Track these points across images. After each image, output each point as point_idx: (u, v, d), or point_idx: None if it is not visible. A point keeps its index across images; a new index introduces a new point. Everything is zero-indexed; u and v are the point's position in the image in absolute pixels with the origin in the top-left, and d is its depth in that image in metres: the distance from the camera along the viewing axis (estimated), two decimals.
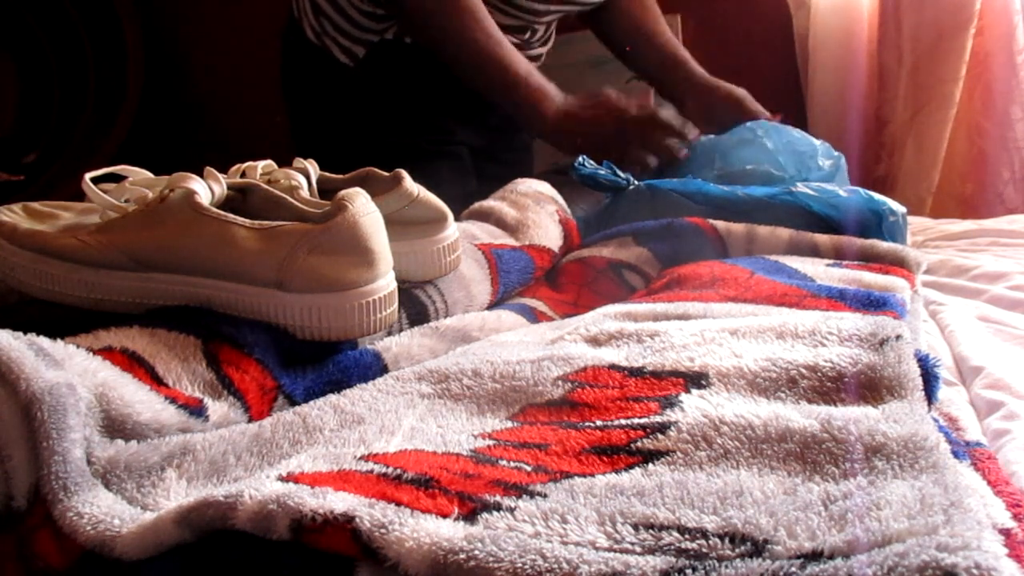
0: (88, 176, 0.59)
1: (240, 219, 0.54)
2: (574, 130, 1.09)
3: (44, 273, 0.58)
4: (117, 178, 0.62)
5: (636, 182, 1.00)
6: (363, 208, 0.54)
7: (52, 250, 0.58)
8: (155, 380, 0.47)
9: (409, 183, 0.65)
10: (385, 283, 0.56)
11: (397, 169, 0.66)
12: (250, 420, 0.50)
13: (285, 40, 1.34)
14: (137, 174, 0.62)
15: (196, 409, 0.46)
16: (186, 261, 0.55)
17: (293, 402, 0.53)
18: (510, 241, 0.82)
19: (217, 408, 0.48)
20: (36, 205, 0.65)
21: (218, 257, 0.54)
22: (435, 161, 1.21)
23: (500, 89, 1.13)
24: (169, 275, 0.55)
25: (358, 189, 0.56)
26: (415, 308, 0.65)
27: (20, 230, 0.60)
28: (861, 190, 0.98)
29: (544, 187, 0.98)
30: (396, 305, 0.58)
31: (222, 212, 0.54)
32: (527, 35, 1.27)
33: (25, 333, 0.44)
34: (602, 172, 1.04)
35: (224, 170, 0.62)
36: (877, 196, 0.94)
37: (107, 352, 0.47)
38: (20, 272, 0.59)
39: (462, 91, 1.20)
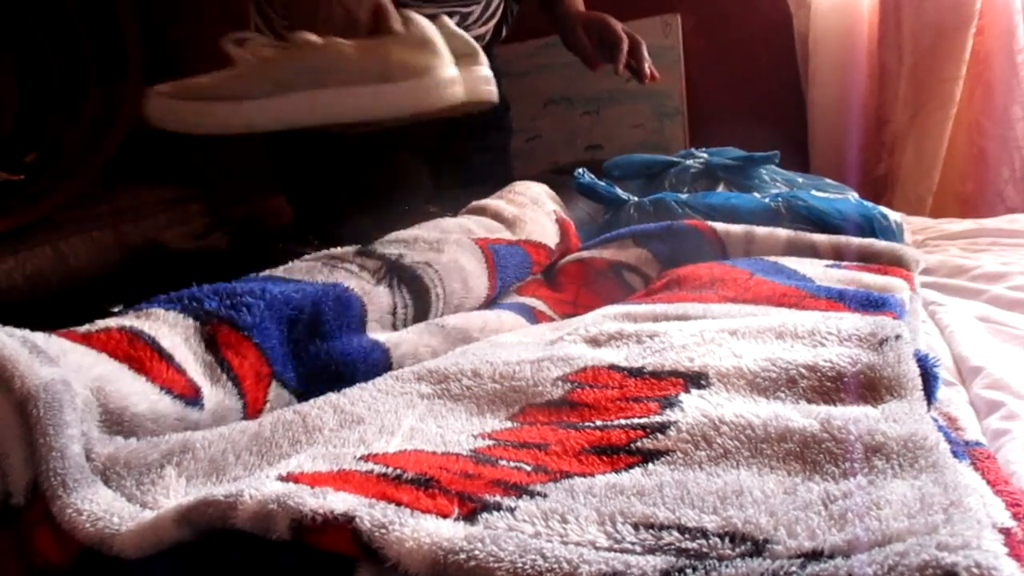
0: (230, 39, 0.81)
1: (346, 43, 0.77)
2: None
3: (210, 113, 0.79)
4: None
5: (635, 198, 1.00)
6: (427, 23, 0.79)
7: (216, 95, 0.79)
8: (158, 353, 0.47)
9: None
10: (454, 71, 0.80)
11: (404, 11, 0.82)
12: (245, 406, 0.50)
13: None
14: (254, 39, 0.83)
15: (192, 399, 0.47)
16: (317, 77, 0.76)
17: (287, 387, 0.53)
18: (506, 235, 0.82)
19: (213, 395, 0.48)
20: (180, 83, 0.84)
21: (340, 68, 0.76)
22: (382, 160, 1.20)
23: None
24: (307, 92, 0.76)
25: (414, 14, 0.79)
26: (417, 286, 0.66)
27: (189, 85, 0.81)
28: (852, 197, 0.99)
29: (542, 188, 0.99)
30: (461, 84, 0.80)
31: (336, 40, 0.77)
32: (455, 20, 1.24)
33: (19, 329, 0.44)
34: (602, 184, 1.04)
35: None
36: (868, 203, 0.95)
37: (105, 332, 0.47)
38: (191, 118, 0.80)
39: None
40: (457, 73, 0.81)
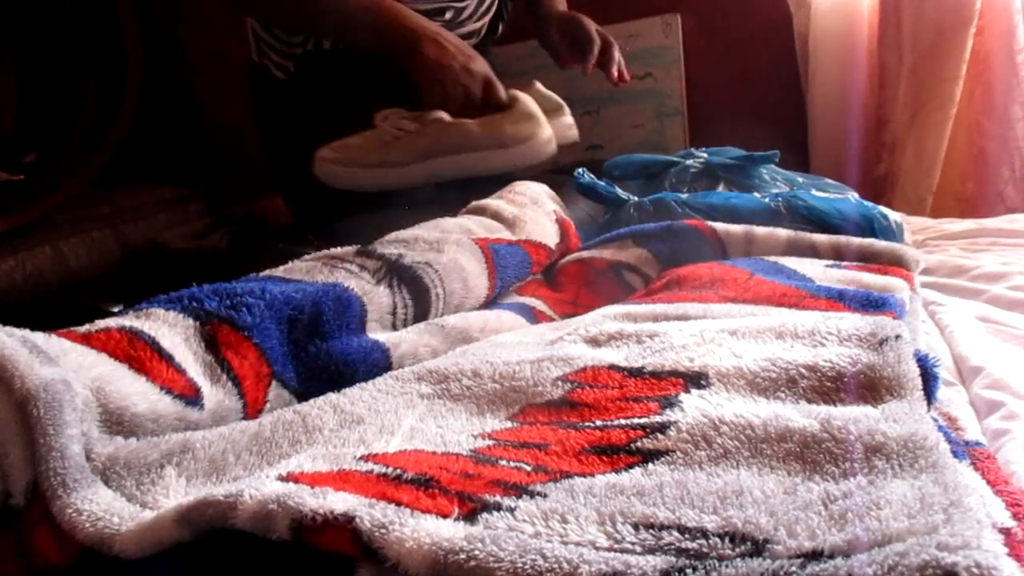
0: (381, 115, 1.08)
1: (471, 121, 1.05)
2: (440, 61, 1.06)
3: (369, 178, 1.06)
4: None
5: (635, 198, 1.00)
6: (527, 98, 1.07)
7: (373, 163, 1.07)
8: (158, 353, 0.47)
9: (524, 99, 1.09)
10: (549, 131, 1.08)
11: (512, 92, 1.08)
12: (244, 407, 0.50)
13: (248, 59, 1.38)
14: (395, 113, 1.07)
15: (192, 399, 0.46)
16: (449, 147, 1.04)
17: (287, 387, 0.53)
18: (506, 235, 0.82)
19: (213, 395, 0.48)
20: (338, 145, 1.10)
21: (467, 141, 1.05)
22: None
23: (371, 17, 1.07)
24: (443, 158, 1.05)
25: (516, 92, 1.08)
26: (417, 286, 0.66)
27: (346, 150, 1.07)
28: (852, 197, 0.99)
29: (542, 188, 0.98)
30: (555, 141, 1.09)
31: (463, 120, 1.05)
32: (448, 15, 1.26)
33: (19, 328, 0.44)
34: (601, 184, 1.04)
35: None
36: (868, 203, 0.95)
37: (105, 332, 0.47)
38: (356, 180, 1.07)
39: (391, 87, 1.22)
40: (551, 132, 1.09)
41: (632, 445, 0.40)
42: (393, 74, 1.10)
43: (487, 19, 1.36)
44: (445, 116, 1.06)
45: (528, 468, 0.39)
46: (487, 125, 1.05)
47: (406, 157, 1.05)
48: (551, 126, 1.10)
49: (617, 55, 1.32)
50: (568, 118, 1.16)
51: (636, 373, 0.48)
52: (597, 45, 1.30)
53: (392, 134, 1.06)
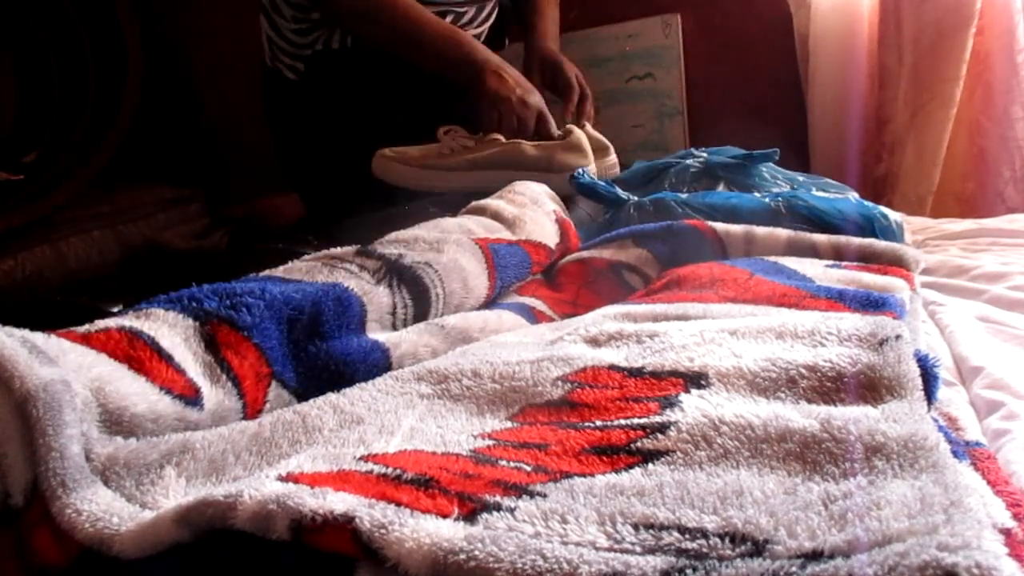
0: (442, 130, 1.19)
1: (529, 142, 1.17)
2: (502, 90, 1.19)
3: (426, 176, 1.16)
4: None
5: (635, 198, 1.00)
6: (580, 132, 1.18)
7: (429, 165, 1.17)
8: (157, 353, 0.47)
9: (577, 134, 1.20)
10: (594, 168, 1.18)
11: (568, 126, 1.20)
12: (244, 407, 0.50)
13: (261, 63, 1.42)
14: (457, 130, 1.19)
15: (191, 399, 0.46)
16: (503, 163, 1.14)
17: (286, 387, 0.53)
18: (506, 235, 0.82)
19: (212, 395, 0.48)
20: (399, 149, 1.19)
21: (521, 160, 1.15)
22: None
23: (445, 48, 1.21)
24: (495, 171, 1.14)
25: (572, 126, 1.21)
26: (417, 286, 0.67)
27: (406, 154, 1.18)
28: (852, 197, 0.99)
29: (542, 188, 0.99)
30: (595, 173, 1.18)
31: (520, 141, 1.17)
32: (449, 19, 1.32)
33: (19, 328, 0.44)
34: (601, 184, 1.04)
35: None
36: (868, 203, 0.95)
37: (105, 332, 0.47)
38: (412, 178, 1.17)
39: (399, 85, 1.25)
40: (595, 169, 1.20)
41: (632, 445, 0.40)
42: (460, 96, 1.24)
43: (487, 26, 1.38)
44: (501, 139, 1.17)
45: (528, 468, 0.39)
46: (540, 148, 1.16)
47: (460, 164, 1.16)
48: (597, 163, 1.21)
49: (590, 108, 1.42)
50: (613, 158, 1.28)
51: (636, 373, 0.48)
52: (576, 93, 1.40)
53: (451, 147, 1.17)
